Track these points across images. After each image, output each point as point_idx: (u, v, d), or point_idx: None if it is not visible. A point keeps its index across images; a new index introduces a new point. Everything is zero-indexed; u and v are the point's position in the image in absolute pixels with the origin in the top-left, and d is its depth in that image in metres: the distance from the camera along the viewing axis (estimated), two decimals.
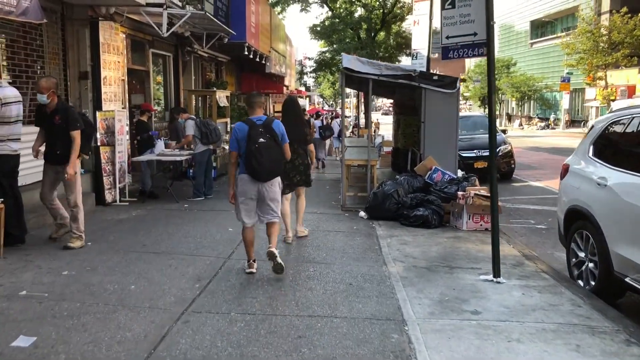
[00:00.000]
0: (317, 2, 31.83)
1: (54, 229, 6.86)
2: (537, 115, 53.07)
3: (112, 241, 6.90)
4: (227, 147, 10.59)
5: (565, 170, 6.48)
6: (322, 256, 6.47)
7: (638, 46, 33.33)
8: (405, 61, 31.27)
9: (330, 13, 31.28)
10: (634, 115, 5.45)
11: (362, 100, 27.18)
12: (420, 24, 22.05)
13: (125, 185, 10.11)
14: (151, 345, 3.93)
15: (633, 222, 4.85)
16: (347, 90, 20.00)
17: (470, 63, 59.39)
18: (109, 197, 9.59)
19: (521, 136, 35.14)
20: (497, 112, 55.41)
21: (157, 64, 14.26)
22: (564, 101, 45.50)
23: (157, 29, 10.33)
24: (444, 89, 9.21)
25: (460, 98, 10.48)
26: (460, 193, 8.22)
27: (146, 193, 10.22)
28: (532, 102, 54.37)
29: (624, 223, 4.99)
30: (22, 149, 6.48)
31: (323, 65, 32.65)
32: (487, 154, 13.90)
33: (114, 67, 10.25)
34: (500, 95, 53.60)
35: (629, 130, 5.50)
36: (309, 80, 51.26)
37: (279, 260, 5.51)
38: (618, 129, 5.77)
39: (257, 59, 18.62)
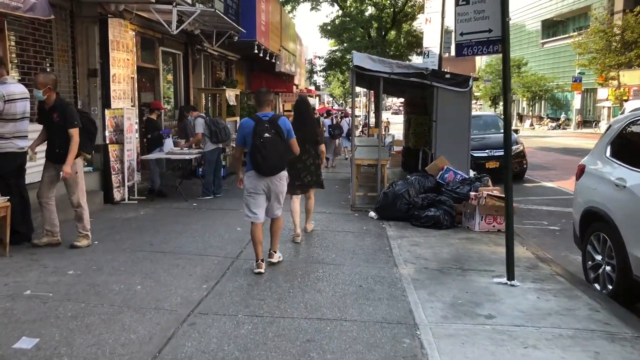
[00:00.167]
0: (327, 1, 31.72)
1: (40, 233, 6.45)
2: (547, 115, 52.65)
3: (119, 240, 6.82)
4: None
5: (581, 171, 6.32)
6: (331, 257, 6.35)
7: None
8: (415, 60, 31.08)
9: (340, 12, 31.13)
10: None
11: (372, 99, 27.05)
12: (432, 22, 21.87)
13: (134, 183, 10.04)
14: (156, 348, 3.83)
15: None
16: (357, 89, 19.90)
17: (481, 62, 59.03)
18: (117, 195, 9.52)
19: (532, 136, 34.81)
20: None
21: (167, 62, 14.19)
22: (576, 101, 45.09)
23: (166, 26, 10.25)
24: (456, 88, 9.06)
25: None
26: (472, 193, 8.07)
27: (155, 191, 10.15)
28: (543, 102, 53.95)
29: None
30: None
31: (333, 64, 32.53)
32: (499, 153, 13.98)
33: (123, 64, 10.19)
34: (511, 95, 53.12)
35: None
36: (319, 79, 51.18)
37: (276, 259, 5.96)
38: (637, 129, 5.61)
39: (267, 58, 18.52)
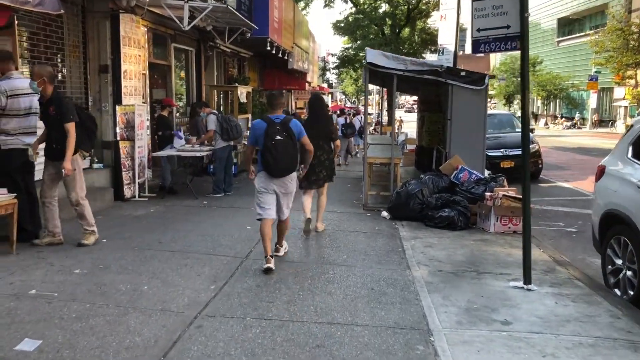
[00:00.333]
0: None
1: (43, 233, 6.31)
2: (562, 114, 52.08)
3: (127, 238, 6.72)
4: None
5: (600, 172, 6.13)
6: (342, 258, 6.21)
7: None
8: (429, 58, 30.80)
9: (354, 9, 30.89)
10: None
11: (385, 96, 26.87)
12: (447, 19, 21.61)
13: (144, 180, 9.97)
14: (161, 352, 3.72)
15: None
16: (370, 86, 19.73)
17: (496, 61, 58.50)
18: (127, 192, 9.45)
19: (547, 135, 34.42)
20: None
21: (180, 58, 14.11)
22: (592, 100, 44.53)
23: (178, 22, 10.15)
24: (471, 86, 8.87)
25: None
26: (488, 194, 7.89)
27: (166, 189, 10.08)
28: (558, 101, 53.38)
29: None
30: None
31: (346, 61, 32.30)
32: (514, 153, 13.79)
33: (134, 60, 10.11)
34: None
35: None
36: (332, 77, 50.98)
37: (275, 254, 5.98)
38: None
39: (280, 55, 18.40)
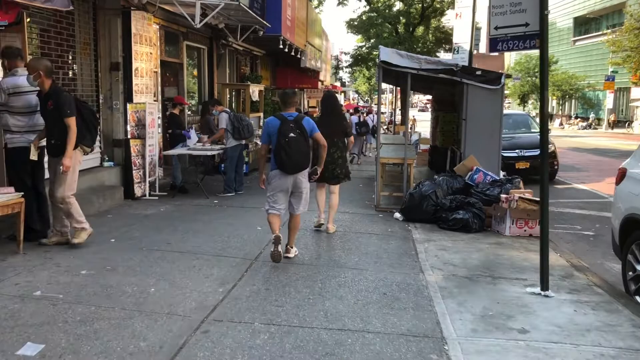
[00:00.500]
0: None
1: (50, 232, 6.19)
2: (576, 114, 51.50)
3: (136, 238, 6.63)
4: (259, 142, 10.32)
5: (621, 175, 5.94)
6: (354, 261, 6.07)
7: None
8: (444, 57, 30.52)
9: (367, 7, 30.71)
10: None
11: (399, 95, 26.65)
12: (463, 17, 21.36)
13: (155, 179, 9.89)
14: (166, 358, 3.61)
15: None
16: (383, 85, 19.55)
17: (510, 60, 57.99)
18: (138, 191, 9.37)
19: (562, 136, 34.01)
20: (537, 111, 54.02)
21: (192, 56, 14.05)
22: (608, 100, 43.98)
23: (189, 19, 10.05)
24: (487, 85, 8.69)
25: None
26: (503, 196, 7.71)
27: (176, 187, 10.00)
28: (573, 101, 52.82)
29: None
30: None
31: (359, 60, 32.14)
32: (530, 153, 13.57)
33: (146, 58, 10.04)
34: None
35: None
36: (345, 75, 50.79)
37: (292, 254, 6.02)
38: None
39: (293, 53, 18.28)
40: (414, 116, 31.33)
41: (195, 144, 10.53)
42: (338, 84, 48.35)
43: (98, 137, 9.32)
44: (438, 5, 29.83)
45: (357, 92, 75.89)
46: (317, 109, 24.79)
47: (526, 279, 5.60)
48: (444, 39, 30.49)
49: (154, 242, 6.49)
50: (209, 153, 10.17)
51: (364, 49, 31.71)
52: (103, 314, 4.23)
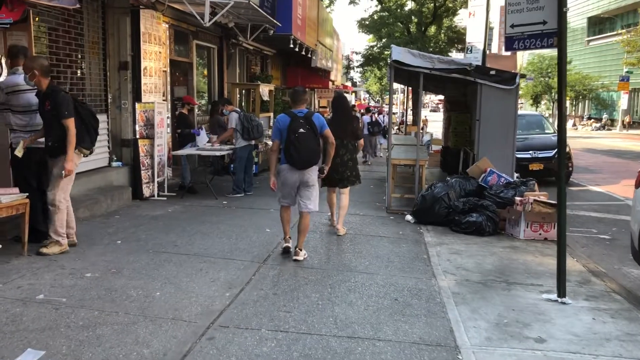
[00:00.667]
0: None
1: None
2: (590, 115, 50.95)
3: (143, 240, 6.53)
4: (269, 142, 10.22)
5: None
6: (364, 265, 5.93)
7: None
8: (456, 57, 30.28)
9: (379, 6, 30.53)
10: None
11: (410, 96, 26.47)
12: (476, 16, 21.13)
13: (164, 179, 9.80)
14: None
15: None
16: (395, 85, 19.37)
17: (523, 60, 57.50)
18: (146, 191, 9.28)
19: (576, 137, 33.61)
20: (550, 112, 53.57)
21: (202, 56, 13.97)
22: (622, 101, 43.45)
23: (198, 18, 9.96)
24: (502, 85, 8.50)
25: None
26: (518, 198, 7.53)
27: (185, 188, 9.90)
28: (586, 101, 52.26)
29: None
30: None
31: (371, 59, 31.97)
32: (543, 155, 13.36)
33: (155, 57, 9.96)
34: (553, 94, 51.76)
35: None
36: (356, 75, 50.64)
37: (300, 257, 5.91)
38: None
39: (303, 53, 18.17)
40: (425, 116, 31.10)
41: (205, 144, 10.43)
42: (349, 84, 48.18)
43: (107, 137, 9.32)
44: (450, 5, 29.57)
45: (368, 92, 75.67)
46: (327, 109, 24.66)
47: (542, 284, 5.43)
48: (457, 38, 30.26)
49: (161, 243, 6.38)
50: (217, 153, 10.07)
51: (375, 48, 31.53)
52: (106, 319, 4.12)
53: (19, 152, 5.64)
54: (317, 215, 7.61)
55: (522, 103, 59.08)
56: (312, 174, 5.99)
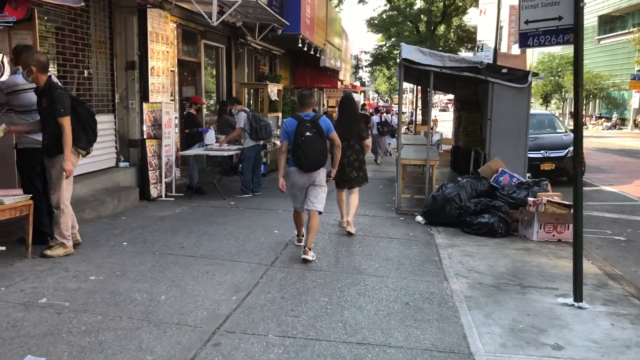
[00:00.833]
0: None
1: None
2: (600, 114, 50.50)
3: (149, 241, 6.43)
4: (277, 142, 10.12)
5: None
6: (374, 267, 5.80)
7: None
8: (466, 55, 30.07)
9: (388, 5, 30.35)
10: None
11: (419, 95, 26.30)
12: (487, 14, 20.91)
13: (172, 180, 9.72)
14: None
15: None
16: (404, 84, 19.27)
17: (532, 59, 57.11)
18: (154, 192, 9.20)
19: (587, 136, 33.03)
20: (560, 111, 53.15)
21: (210, 55, 13.88)
22: (634, 100, 43.00)
23: (206, 17, 9.86)
24: (514, 84, 8.34)
25: None
26: (530, 199, 7.38)
27: (193, 188, 9.81)
28: (597, 100, 51.81)
29: None
30: None
31: (379, 59, 31.80)
32: (555, 154, 13.17)
33: (162, 57, 9.87)
34: (563, 93, 51.39)
35: None
36: (364, 75, 50.45)
37: (310, 257, 5.86)
38: None
39: (312, 52, 18.06)
40: (435, 116, 30.91)
41: (213, 143, 10.33)
42: (358, 83, 48.01)
43: (114, 138, 9.24)
44: (460, 3, 29.33)
45: (376, 91, 75.46)
46: (336, 109, 24.54)
47: (557, 288, 5.28)
48: (466, 37, 30.03)
49: (167, 245, 6.28)
50: (226, 153, 9.97)
51: (384, 48, 31.37)
52: (110, 324, 4.02)
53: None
54: (325, 216, 7.49)
55: (532, 102, 58.65)
56: (320, 176, 6.06)
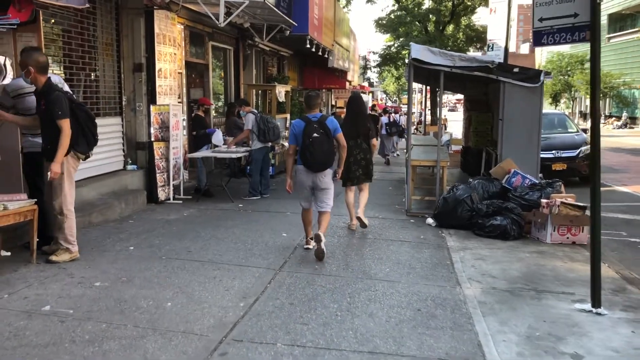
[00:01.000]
0: None
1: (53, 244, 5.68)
2: (610, 113, 50.05)
3: (156, 245, 6.34)
4: (286, 144, 10.02)
5: None
6: (384, 271, 5.67)
7: None
8: (476, 54, 29.84)
9: (396, 5, 30.19)
10: None
11: (428, 95, 26.13)
12: (497, 12, 20.70)
13: (180, 182, 9.63)
14: None
15: None
16: (414, 84, 19.13)
17: (541, 58, 56.70)
18: (162, 194, 9.12)
19: None
20: (570, 110, 52.74)
21: (218, 57, 13.81)
22: None
23: (213, 18, 9.77)
24: (526, 83, 8.19)
25: None
26: (544, 201, 7.22)
27: (201, 191, 9.72)
28: (607, 99, 51.35)
29: None
30: None
31: (388, 59, 31.64)
32: (567, 154, 12.98)
33: (169, 59, 9.79)
34: (573, 92, 50.98)
35: None
36: (373, 75, 50.29)
37: (323, 246, 5.94)
38: None
39: (320, 53, 17.95)
40: (445, 116, 30.71)
41: (222, 145, 10.24)
42: (366, 84, 47.86)
43: (121, 140, 9.17)
44: (469, 3, 29.10)
45: (385, 92, 75.25)
46: (345, 110, 24.40)
47: (574, 293, 5.13)
48: (475, 37, 29.79)
49: (174, 250, 6.19)
50: (234, 156, 9.88)
51: (392, 48, 31.20)
52: (114, 333, 3.92)
53: None
54: (334, 218, 7.39)
55: None
56: (327, 177, 6.23)
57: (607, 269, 6.02)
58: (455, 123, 28.68)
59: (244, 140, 10.16)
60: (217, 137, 10.30)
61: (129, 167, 9.17)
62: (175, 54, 10.02)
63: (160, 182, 9.13)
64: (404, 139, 17.16)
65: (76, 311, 4.27)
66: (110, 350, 3.64)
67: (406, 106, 13.99)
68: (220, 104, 13.99)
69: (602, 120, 48.81)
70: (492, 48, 20.58)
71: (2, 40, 6.46)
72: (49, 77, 5.42)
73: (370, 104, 24.38)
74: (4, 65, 5.19)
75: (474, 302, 4.80)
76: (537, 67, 53.22)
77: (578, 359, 3.79)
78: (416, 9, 29.36)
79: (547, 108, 48.08)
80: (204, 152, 9.92)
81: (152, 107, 9.14)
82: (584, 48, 50.73)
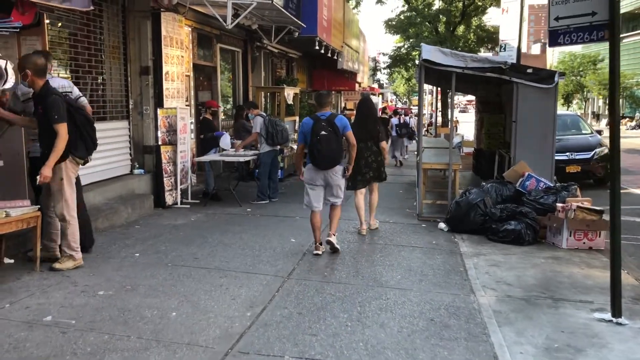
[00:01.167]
0: None
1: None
2: (623, 114, 49.51)
3: (162, 252, 6.22)
4: (294, 146, 9.91)
5: None
6: (396, 279, 5.51)
7: None
8: (488, 56, 29.58)
9: (406, 6, 29.99)
10: None
11: (439, 96, 25.90)
12: (510, 12, 20.46)
13: (187, 186, 9.53)
14: None
15: None
16: (424, 86, 18.97)
17: (553, 59, 56.26)
18: (169, 199, 9.01)
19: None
20: (582, 111, 52.28)
21: (226, 59, 13.72)
22: None
23: (220, 20, 9.67)
24: (539, 84, 8.00)
25: None
26: (559, 205, 7.03)
27: (209, 195, 9.61)
28: (621, 100, 50.83)
29: None
30: None
31: (398, 60, 31.43)
32: (581, 156, 12.75)
33: (177, 61, 9.69)
34: (585, 93, 50.55)
35: None
36: (383, 77, 50.08)
37: (336, 245, 6.24)
38: None
39: (329, 55, 17.83)
40: (456, 118, 30.46)
41: (230, 149, 10.14)
42: (376, 85, 47.68)
43: (128, 144, 9.08)
44: (480, 3, 28.83)
45: (395, 93, 75.02)
46: (354, 112, 24.27)
47: (592, 301, 4.95)
48: (487, 37, 29.51)
49: (180, 256, 6.07)
50: (242, 159, 9.76)
51: (402, 49, 31.01)
52: (117, 344, 3.79)
53: None
54: (343, 223, 7.26)
55: None
56: (337, 175, 6.23)
57: (627, 276, 5.83)
58: (466, 124, 28.42)
59: (252, 144, 10.04)
60: (225, 140, 10.19)
61: (136, 171, 9.07)
62: (182, 56, 9.93)
63: (167, 186, 9.03)
64: (413, 142, 17.01)
65: (78, 321, 4.15)
66: None
67: (416, 107, 13.81)
68: (228, 106, 13.89)
69: None
70: (505, 48, 20.32)
71: (6, 44, 6.40)
72: (47, 81, 5.28)
73: (380, 106, 24.20)
74: (5, 69, 5.08)
75: (488, 311, 4.64)
76: (548, 68, 52.90)
77: None
78: (426, 9, 29.14)
79: (559, 109, 47.73)
80: (211, 156, 9.81)
81: (159, 111, 9.04)
82: (597, 48, 50.33)
